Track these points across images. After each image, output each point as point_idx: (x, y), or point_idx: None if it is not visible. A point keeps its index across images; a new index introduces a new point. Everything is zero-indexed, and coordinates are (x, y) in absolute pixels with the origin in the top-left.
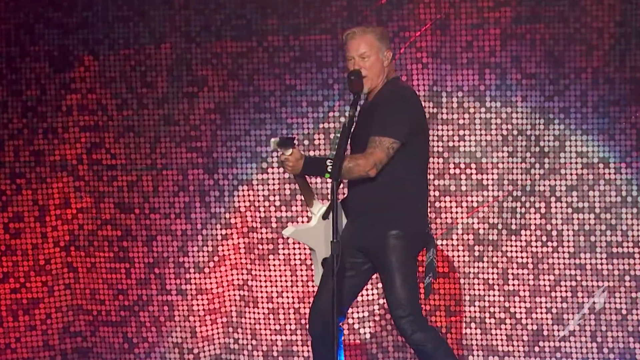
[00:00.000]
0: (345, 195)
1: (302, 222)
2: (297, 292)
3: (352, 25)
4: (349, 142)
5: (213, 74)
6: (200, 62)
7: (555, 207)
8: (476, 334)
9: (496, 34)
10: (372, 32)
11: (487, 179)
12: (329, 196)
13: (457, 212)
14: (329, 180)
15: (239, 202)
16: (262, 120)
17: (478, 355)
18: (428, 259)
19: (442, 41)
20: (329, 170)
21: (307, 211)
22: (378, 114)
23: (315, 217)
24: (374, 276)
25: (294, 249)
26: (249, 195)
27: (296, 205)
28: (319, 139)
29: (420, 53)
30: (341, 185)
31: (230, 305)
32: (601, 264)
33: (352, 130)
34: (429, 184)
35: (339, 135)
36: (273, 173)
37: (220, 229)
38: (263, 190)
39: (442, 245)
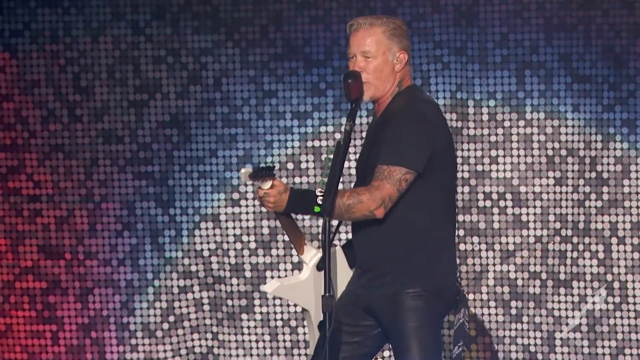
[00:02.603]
0: (348, 240)
1: (287, 271)
2: None
3: (350, 13)
4: (350, 169)
5: (168, 76)
6: (151, 61)
7: (618, 251)
8: None
9: (539, 25)
10: (382, 26)
11: (528, 214)
12: (320, 237)
13: (487, 257)
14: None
15: (201, 244)
16: (233, 137)
17: None
18: (457, 322)
19: (469, 34)
20: (320, 202)
21: (292, 255)
22: (387, 136)
23: (308, 267)
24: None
25: (275, 305)
26: (214, 235)
27: (277, 248)
28: (307, 160)
29: (440, 49)
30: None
31: None
32: None
33: (348, 149)
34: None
35: (332, 156)
36: (247, 206)
37: (177, 279)
38: (233, 228)
39: (468, 299)
